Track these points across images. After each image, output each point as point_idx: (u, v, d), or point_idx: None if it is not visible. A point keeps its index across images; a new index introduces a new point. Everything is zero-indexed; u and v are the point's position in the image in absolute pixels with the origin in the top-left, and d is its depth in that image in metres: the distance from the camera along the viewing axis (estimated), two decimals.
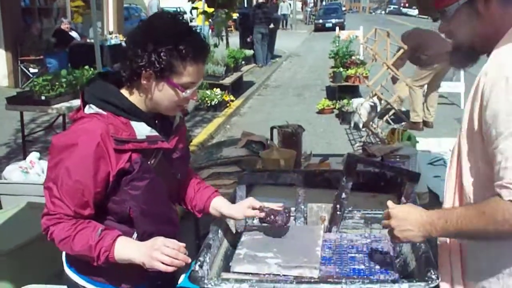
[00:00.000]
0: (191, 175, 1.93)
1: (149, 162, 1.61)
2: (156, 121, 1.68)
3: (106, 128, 1.53)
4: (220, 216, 1.84)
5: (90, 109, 1.58)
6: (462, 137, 1.49)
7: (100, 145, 1.51)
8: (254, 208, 1.77)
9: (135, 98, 1.61)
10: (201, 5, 13.01)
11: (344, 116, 7.85)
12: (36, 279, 2.85)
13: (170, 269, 1.51)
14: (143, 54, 1.52)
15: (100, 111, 1.56)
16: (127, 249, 1.54)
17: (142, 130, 1.59)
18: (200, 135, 7.04)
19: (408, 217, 1.48)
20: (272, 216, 1.72)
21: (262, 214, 1.75)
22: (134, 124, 1.58)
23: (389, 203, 1.56)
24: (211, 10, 7.30)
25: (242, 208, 1.79)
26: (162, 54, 1.51)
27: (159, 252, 1.50)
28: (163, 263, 1.50)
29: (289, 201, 1.99)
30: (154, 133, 1.62)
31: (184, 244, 1.54)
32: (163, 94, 1.58)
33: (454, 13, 1.50)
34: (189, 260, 1.53)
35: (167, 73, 1.54)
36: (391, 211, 1.52)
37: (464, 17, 1.50)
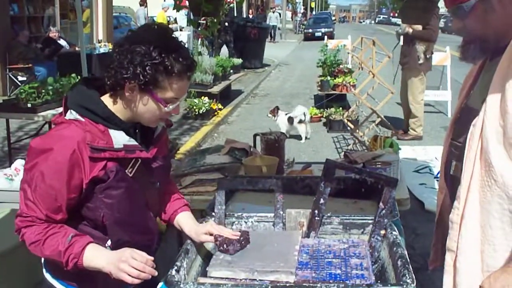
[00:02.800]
0: (170, 185, 1.94)
1: (126, 171, 1.61)
2: (137, 130, 1.69)
3: (83, 135, 1.54)
4: (181, 231, 1.86)
5: (71, 114, 1.58)
6: (488, 117, 1.57)
7: (75, 152, 1.52)
8: (211, 234, 1.76)
9: (116, 107, 1.62)
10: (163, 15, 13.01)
11: (331, 124, 7.90)
12: (18, 287, 2.83)
13: (136, 281, 1.51)
14: (129, 66, 1.52)
15: (79, 117, 1.57)
16: (96, 257, 1.55)
17: (120, 139, 1.59)
18: (187, 143, 7.04)
19: (499, 278, 1.52)
20: (225, 245, 1.71)
21: (216, 242, 1.75)
22: (112, 132, 1.59)
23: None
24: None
25: (200, 233, 1.78)
26: (147, 67, 1.51)
27: (126, 264, 1.50)
28: (129, 275, 1.50)
29: (268, 207, 2.01)
30: (133, 142, 1.63)
31: (152, 258, 1.55)
32: (145, 107, 1.59)
33: (470, 9, 1.62)
34: (156, 273, 1.53)
35: (151, 87, 1.55)
36: (482, 284, 1.55)
37: (479, 13, 1.62)
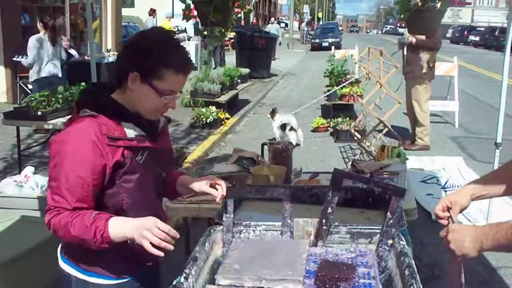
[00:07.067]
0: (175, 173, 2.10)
1: (136, 159, 1.76)
2: (144, 123, 1.84)
3: (99, 127, 1.69)
4: (187, 191, 2.02)
5: (84, 112, 1.73)
6: None
7: (94, 141, 1.66)
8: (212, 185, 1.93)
9: (123, 99, 1.77)
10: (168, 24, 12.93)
11: (338, 134, 7.92)
12: None
13: (154, 251, 1.60)
14: (131, 58, 1.72)
15: (94, 113, 1.72)
16: (120, 225, 1.65)
17: (131, 129, 1.76)
18: (195, 152, 7.07)
19: (463, 230, 1.58)
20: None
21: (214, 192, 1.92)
22: (124, 124, 1.75)
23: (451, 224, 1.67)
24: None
25: (202, 184, 1.96)
26: (147, 59, 1.69)
27: (149, 232, 1.61)
28: (150, 243, 1.60)
29: (276, 216, 2.03)
30: (142, 133, 1.79)
31: (174, 231, 1.65)
32: (145, 97, 1.74)
33: None
34: (172, 248, 1.63)
35: (152, 77, 1.71)
36: (450, 226, 1.65)
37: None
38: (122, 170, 1.72)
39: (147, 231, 1.61)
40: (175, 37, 1.80)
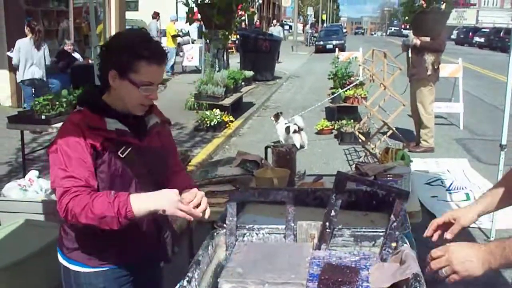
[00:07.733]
0: (181, 177, 2.14)
1: (118, 153, 1.85)
2: (130, 121, 1.92)
3: (84, 119, 1.84)
4: None
5: (77, 108, 1.92)
6: None
7: (82, 128, 1.81)
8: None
9: (111, 99, 1.90)
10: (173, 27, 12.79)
11: (343, 137, 7.90)
12: None
13: (188, 216, 1.78)
14: (107, 59, 1.85)
15: (81, 108, 1.89)
16: (143, 201, 1.75)
17: (112, 124, 1.87)
18: (199, 155, 7.07)
19: (465, 250, 1.50)
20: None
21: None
22: (107, 119, 1.87)
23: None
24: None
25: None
26: (122, 55, 1.81)
27: (180, 203, 1.76)
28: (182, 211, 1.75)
29: (279, 219, 2.02)
30: (124, 128, 1.89)
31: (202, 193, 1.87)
32: (125, 92, 1.85)
33: None
34: (200, 215, 1.81)
35: (128, 71, 1.82)
36: (449, 246, 1.55)
37: None
38: (100, 160, 1.82)
39: (178, 202, 1.74)
40: (147, 32, 1.94)
